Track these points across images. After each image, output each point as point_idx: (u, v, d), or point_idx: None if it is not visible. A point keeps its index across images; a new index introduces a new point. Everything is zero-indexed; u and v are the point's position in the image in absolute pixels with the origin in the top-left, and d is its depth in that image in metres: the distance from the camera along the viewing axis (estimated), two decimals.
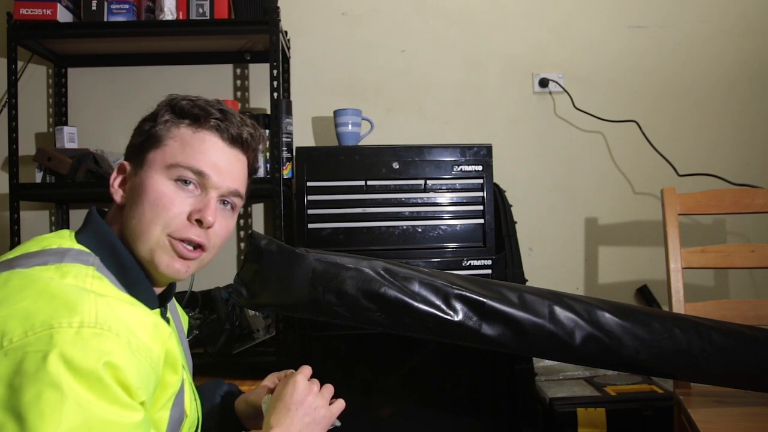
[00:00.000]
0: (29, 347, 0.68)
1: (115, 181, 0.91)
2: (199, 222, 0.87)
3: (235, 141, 0.92)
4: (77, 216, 2.19)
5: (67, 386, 0.67)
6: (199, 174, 0.88)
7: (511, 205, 2.01)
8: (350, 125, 1.98)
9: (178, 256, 0.87)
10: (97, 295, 0.75)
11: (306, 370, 1.02)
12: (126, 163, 0.91)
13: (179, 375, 0.87)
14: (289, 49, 2.18)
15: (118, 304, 0.77)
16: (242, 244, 2.21)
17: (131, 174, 0.90)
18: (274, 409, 0.97)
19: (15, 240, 1.88)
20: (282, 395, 0.98)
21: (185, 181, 0.88)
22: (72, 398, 0.66)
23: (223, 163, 0.90)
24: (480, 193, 1.80)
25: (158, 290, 0.93)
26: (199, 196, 0.89)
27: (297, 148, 1.81)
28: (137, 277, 0.87)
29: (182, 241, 0.87)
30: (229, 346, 1.81)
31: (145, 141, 0.90)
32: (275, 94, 1.87)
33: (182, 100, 0.92)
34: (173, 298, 1.03)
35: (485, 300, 1.22)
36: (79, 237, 0.87)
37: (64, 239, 0.86)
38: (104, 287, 0.80)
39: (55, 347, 0.68)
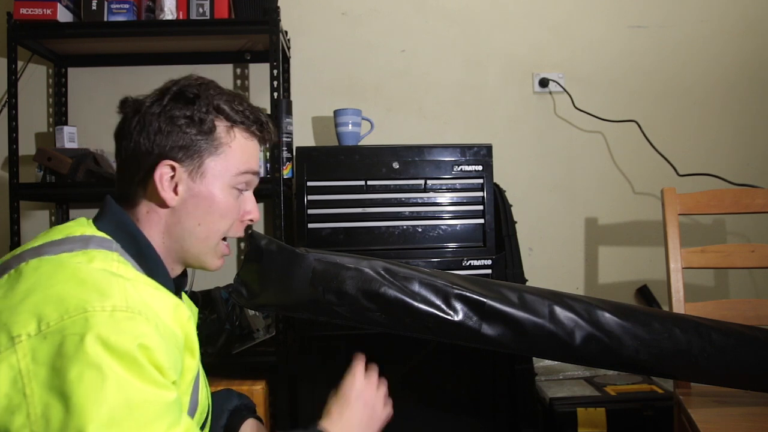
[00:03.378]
0: (66, 330, 0.70)
1: (169, 184, 0.88)
2: (250, 221, 0.97)
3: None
4: (77, 216, 2.18)
5: (107, 366, 0.68)
6: (252, 183, 0.96)
7: (511, 205, 2.01)
8: (350, 125, 1.98)
9: (221, 255, 0.96)
10: (125, 279, 0.78)
11: (359, 367, 1.05)
12: (175, 164, 0.88)
13: (197, 360, 0.89)
14: (289, 49, 2.18)
15: (143, 288, 0.80)
16: (242, 244, 2.21)
17: (185, 177, 0.89)
18: (335, 399, 1.00)
19: (15, 240, 1.88)
20: (342, 388, 1.02)
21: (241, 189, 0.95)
22: (112, 378, 0.68)
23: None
24: (480, 193, 1.80)
25: (173, 276, 0.95)
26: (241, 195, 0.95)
27: (297, 148, 1.81)
28: (156, 266, 0.89)
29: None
30: (229, 346, 1.81)
31: (200, 143, 0.89)
32: (275, 94, 1.88)
33: (223, 101, 0.91)
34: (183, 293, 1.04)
35: (485, 300, 1.22)
36: (99, 224, 0.89)
37: (85, 227, 0.88)
38: (128, 272, 0.82)
39: (92, 329, 0.70)
